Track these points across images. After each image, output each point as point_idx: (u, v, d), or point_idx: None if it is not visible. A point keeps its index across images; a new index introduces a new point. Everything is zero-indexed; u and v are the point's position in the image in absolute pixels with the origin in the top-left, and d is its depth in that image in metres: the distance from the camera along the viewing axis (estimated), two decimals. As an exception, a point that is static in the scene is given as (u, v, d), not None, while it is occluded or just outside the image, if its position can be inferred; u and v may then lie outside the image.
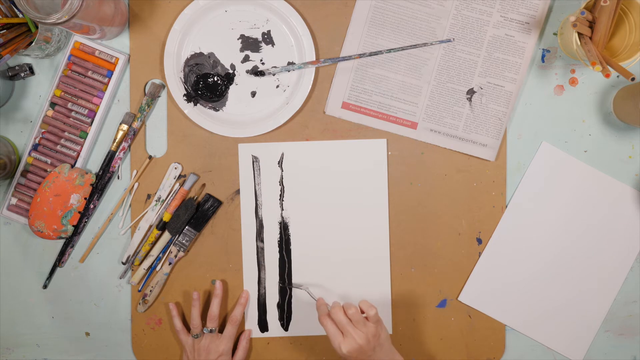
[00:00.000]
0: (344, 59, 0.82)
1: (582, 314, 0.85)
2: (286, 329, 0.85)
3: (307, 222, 0.84)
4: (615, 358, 0.86)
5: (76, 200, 0.82)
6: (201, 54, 0.83)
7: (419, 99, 0.83)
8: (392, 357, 0.74)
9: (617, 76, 0.84)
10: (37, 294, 0.86)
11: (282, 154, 0.84)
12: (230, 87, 0.83)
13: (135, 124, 0.83)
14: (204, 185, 0.84)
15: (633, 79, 0.70)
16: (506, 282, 0.85)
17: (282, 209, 0.84)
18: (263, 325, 0.85)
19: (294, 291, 0.85)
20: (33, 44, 0.76)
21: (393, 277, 0.84)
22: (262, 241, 0.85)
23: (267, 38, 0.83)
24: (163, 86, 0.84)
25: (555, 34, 0.84)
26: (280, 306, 0.85)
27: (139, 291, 0.85)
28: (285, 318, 0.85)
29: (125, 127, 0.83)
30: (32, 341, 0.87)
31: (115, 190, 0.85)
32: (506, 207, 0.84)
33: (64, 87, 0.82)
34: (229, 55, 0.83)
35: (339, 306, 0.74)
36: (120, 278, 0.85)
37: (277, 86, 0.84)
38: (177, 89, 0.82)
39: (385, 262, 0.84)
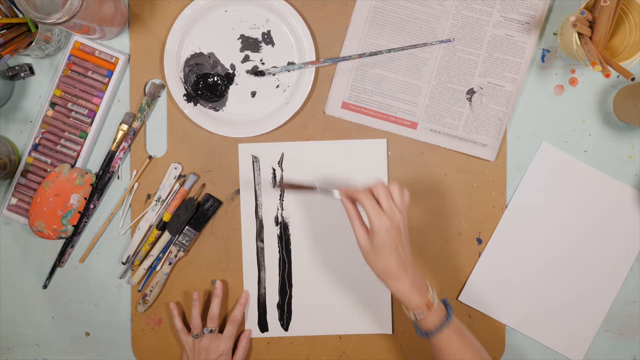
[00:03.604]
0: (344, 59, 0.82)
1: (582, 314, 0.85)
2: (286, 329, 0.85)
3: (307, 221, 0.84)
4: (615, 358, 0.85)
5: (76, 200, 0.82)
6: (201, 54, 0.83)
7: (419, 99, 0.83)
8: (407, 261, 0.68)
9: (617, 76, 0.84)
10: (37, 294, 0.86)
11: (282, 154, 0.84)
12: (230, 87, 0.83)
13: (135, 124, 0.83)
14: (204, 185, 0.84)
15: (633, 79, 0.70)
16: (506, 282, 0.85)
17: (282, 209, 0.84)
18: (263, 325, 0.85)
19: (294, 292, 0.85)
20: (33, 44, 0.76)
21: (393, 277, 0.84)
22: (262, 241, 0.85)
23: (267, 38, 0.83)
24: (163, 86, 0.84)
25: (555, 34, 0.84)
26: (280, 306, 0.85)
27: (139, 291, 0.85)
28: (285, 318, 0.85)
29: (125, 127, 0.83)
30: (32, 341, 0.87)
31: (115, 190, 0.85)
32: (506, 207, 0.84)
33: (64, 87, 0.82)
34: (229, 55, 0.83)
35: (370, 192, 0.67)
36: (120, 278, 0.85)
37: (277, 86, 0.84)
38: (177, 89, 0.82)
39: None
